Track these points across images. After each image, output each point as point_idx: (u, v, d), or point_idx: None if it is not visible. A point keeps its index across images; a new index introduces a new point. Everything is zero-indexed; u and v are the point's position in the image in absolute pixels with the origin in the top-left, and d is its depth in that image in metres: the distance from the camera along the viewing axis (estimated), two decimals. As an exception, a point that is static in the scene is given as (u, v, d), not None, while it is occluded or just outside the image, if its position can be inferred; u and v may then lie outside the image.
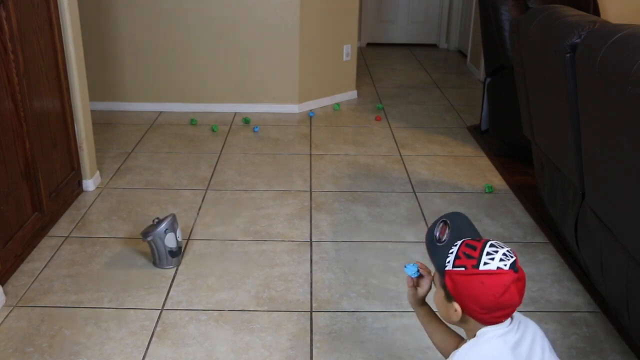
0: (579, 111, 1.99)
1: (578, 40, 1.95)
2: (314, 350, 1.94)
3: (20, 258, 2.37)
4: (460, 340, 1.43)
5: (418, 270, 1.45)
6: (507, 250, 1.23)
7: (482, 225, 2.76)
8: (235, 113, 4.26)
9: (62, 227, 2.66)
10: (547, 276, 2.37)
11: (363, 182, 3.18)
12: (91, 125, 3.09)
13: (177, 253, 2.37)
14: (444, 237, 1.29)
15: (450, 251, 1.26)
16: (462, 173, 3.33)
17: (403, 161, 3.48)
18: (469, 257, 1.22)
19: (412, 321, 2.08)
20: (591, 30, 1.93)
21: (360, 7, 4.76)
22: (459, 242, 1.26)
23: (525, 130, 2.75)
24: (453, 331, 1.49)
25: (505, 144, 3.60)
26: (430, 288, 1.46)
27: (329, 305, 2.17)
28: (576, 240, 2.22)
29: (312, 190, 3.09)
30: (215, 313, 2.12)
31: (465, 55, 6.08)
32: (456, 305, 1.25)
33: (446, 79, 5.38)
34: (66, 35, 2.75)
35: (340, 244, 2.57)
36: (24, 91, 2.38)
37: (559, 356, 1.90)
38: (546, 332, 2.05)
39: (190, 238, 2.61)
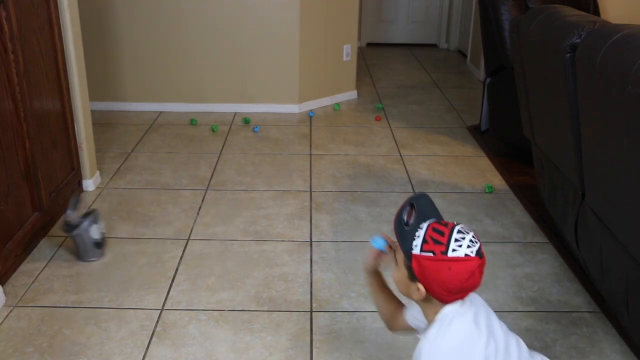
0: (579, 111, 2.00)
1: (578, 40, 1.96)
2: (314, 350, 1.94)
3: (20, 258, 2.37)
4: (399, 305, 1.55)
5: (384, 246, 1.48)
6: (473, 236, 1.26)
7: (482, 225, 2.76)
8: (235, 113, 4.26)
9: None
10: (547, 276, 2.37)
11: (363, 182, 3.18)
12: (91, 125, 3.09)
13: (101, 244, 2.43)
14: (411, 221, 1.31)
15: (417, 234, 1.27)
16: (462, 173, 3.33)
17: (403, 161, 3.48)
18: (436, 242, 1.25)
19: (412, 321, 2.09)
20: (591, 30, 1.93)
21: (360, 7, 4.76)
22: (425, 225, 1.28)
23: (525, 130, 2.75)
24: (395, 296, 1.57)
25: (505, 144, 3.61)
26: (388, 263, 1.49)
27: (329, 305, 2.17)
28: (576, 240, 2.22)
29: (312, 190, 3.09)
30: (215, 313, 2.12)
31: (465, 55, 6.08)
32: (420, 286, 1.28)
33: (446, 79, 5.38)
34: (66, 35, 2.75)
35: (340, 244, 2.57)
36: (24, 91, 2.38)
37: (558, 357, 1.91)
38: (546, 332, 2.06)
39: (190, 238, 2.61)
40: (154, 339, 1.98)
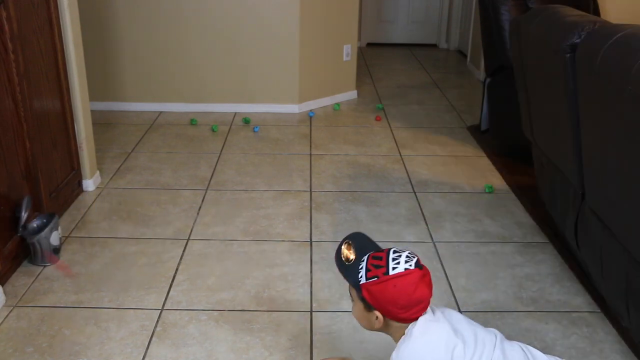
0: (579, 111, 1.99)
1: (578, 41, 1.95)
2: (314, 350, 1.94)
3: (20, 258, 2.37)
4: None
5: None
6: (409, 253, 1.38)
7: (482, 225, 2.76)
8: (235, 113, 4.26)
9: (62, 227, 2.66)
10: (547, 276, 2.37)
11: (363, 182, 3.18)
12: (91, 125, 3.09)
13: (59, 250, 2.43)
14: (351, 256, 1.43)
15: (360, 267, 1.39)
16: (462, 173, 3.33)
17: (403, 161, 3.48)
18: (377, 267, 1.36)
19: (412, 321, 2.09)
20: (591, 30, 1.93)
21: (360, 7, 4.76)
22: (365, 257, 1.40)
23: (525, 131, 2.75)
24: None
25: (505, 144, 3.60)
26: None
27: (329, 305, 2.17)
28: (576, 240, 2.22)
29: (312, 190, 3.09)
30: (215, 313, 2.12)
31: (465, 55, 6.08)
32: (377, 313, 1.38)
33: (446, 79, 5.38)
34: (66, 35, 2.75)
35: (340, 244, 2.57)
36: (24, 91, 2.38)
37: (559, 356, 1.91)
38: (546, 332, 2.06)
39: (190, 238, 2.61)
40: (154, 339, 1.98)
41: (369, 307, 1.39)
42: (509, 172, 3.32)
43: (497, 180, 3.24)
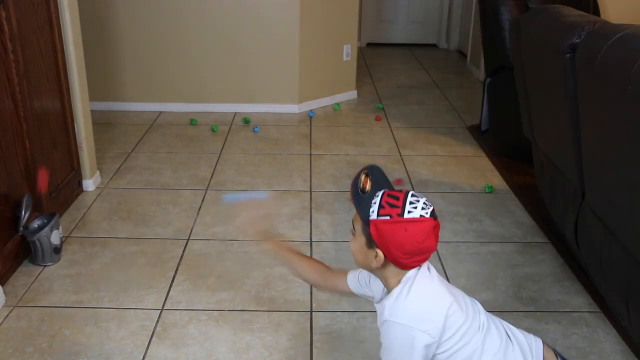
0: (579, 111, 1.99)
1: (578, 40, 1.95)
2: (314, 350, 1.94)
3: (20, 258, 2.37)
4: (327, 268, 1.64)
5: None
6: (426, 200, 1.32)
7: (482, 225, 2.76)
8: (235, 113, 4.26)
9: (62, 227, 2.66)
10: (547, 276, 2.37)
11: (363, 182, 3.18)
12: (91, 125, 3.09)
13: (59, 249, 2.41)
14: (367, 188, 1.36)
15: (373, 201, 1.32)
16: (462, 173, 3.33)
17: (403, 161, 3.48)
18: (392, 206, 1.30)
19: (412, 321, 2.09)
20: (591, 30, 1.93)
21: (360, 7, 4.75)
22: (380, 193, 1.32)
23: (525, 130, 2.75)
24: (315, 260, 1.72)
25: (505, 144, 3.60)
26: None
27: (329, 305, 2.17)
28: (576, 240, 2.22)
29: (312, 190, 3.09)
30: (215, 313, 2.12)
31: (465, 55, 6.08)
32: (379, 252, 1.32)
33: (446, 79, 5.38)
34: (66, 35, 2.75)
35: (340, 244, 2.57)
36: (24, 91, 2.38)
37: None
38: (546, 332, 2.06)
39: (190, 238, 2.61)
40: (154, 339, 1.98)
41: (371, 244, 1.33)
42: (509, 172, 3.32)
43: (497, 180, 3.24)
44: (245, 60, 4.20)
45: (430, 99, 4.73)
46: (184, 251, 2.50)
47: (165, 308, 2.14)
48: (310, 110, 4.35)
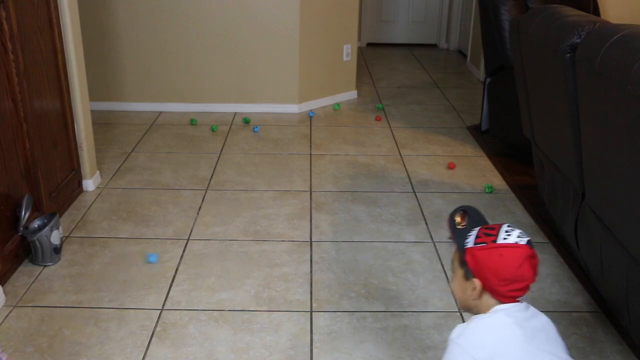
0: (579, 111, 1.99)
1: (578, 40, 1.95)
2: (314, 350, 1.94)
3: (20, 258, 2.37)
4: None
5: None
6: (521, 231, 1.36)
7: (482, 225, 2.75)
8: (235, 113, 4.26)
9: (62, 227, 2.66)
10: (547, 276, 2.37)
11: (363, 182, 3.18)
12: (91, 125, 3.09)
13: (59, 249, 2.41)
14: (464, 223, 1.43)
15: (470, 233, 1.38)
16: (462, 173, 3.33)
17: (403, 161, 3.48)
18: (488, 235, 1.35)
19: (412, 321, 2.09)
20: (591, 30, 1.93)
21: (360, 7, 4.76)
22: (477, 227, 1.39)
23: (525, 130, 2.75)
24: None
25: (505, 144, 3.60)
26: None
27: (329, 305, 2.17)
28: (576, 240, 2.22)
29: (312, 190, 3.09)
30: (215, 313, 2.12)
31: (465, 55, 6.08)
32: (476, 282, 1.35)
33: (446, 79, 5.38)
34: (66, 35, 2.75)
35: (340, 244, 2.57)
36: (24, 91, 2.38)
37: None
38: (546, 332, 2.05)
39: (190, 238, 2.61)
40: (153, 339, 1.98)
41: (468, 275, 1.37)
42: (509, 172, 3.32)
43: (497, 180, 3.24)
44: (245, 60, 4.20)
45: (430, 99, 4.73)
46: (184, 251, 2.50)
47: (165, 308, 2.14)
48: (310, 110, 4.35)
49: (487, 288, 1.35)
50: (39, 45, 2.53)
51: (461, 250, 1.39)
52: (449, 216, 1.48)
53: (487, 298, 1.36)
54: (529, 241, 1.34)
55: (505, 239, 1.33)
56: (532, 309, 1.38)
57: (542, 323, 1.38)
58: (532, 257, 1.34)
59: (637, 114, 1.56)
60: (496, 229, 1.36)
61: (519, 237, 1.33)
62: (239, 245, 2.55)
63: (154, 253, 2.40)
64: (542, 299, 2.23)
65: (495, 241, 1.33)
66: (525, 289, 1.35)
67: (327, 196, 3.02)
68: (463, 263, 1.38)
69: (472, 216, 1.45)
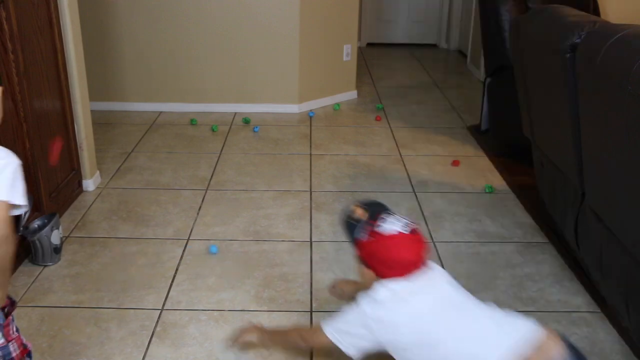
0: (579, 111, 1.99)
1: (578, 40, 1.95)
2: (314, 350, 1.94)
3: (20, 258, 2.37)
4: (298, 328, 1.97)
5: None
6: (405, 218, 1.55)
7: (482, 225, 2.76)
8: (235, 113, 4.26)
9: (62, 227, 2.66)
10: (547, 276, 2.37)
11: (363, 182, 3.18)
12: (91, 125, 3.09)
13: (59, 249, 2.40)
14: (357, 217, 1.59)
15: (358, 226, 1.55)
16: (462, 173, 3.33)
17: (403, 161, 3.48)
18: (371, 225, 1.52)
19: (412, 321, 2.08)
20: (591, 30, 1.93)
21: (360, 7, 4.75)
22: (363, 219, 1.56)
23: (525, 130, 2.75)
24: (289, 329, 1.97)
25: (505, 144, 3.60)
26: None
27: (329, 305, 2.17)
28: (576, 240, 2.22)
29: (312, 190, 3.09)
30: (215, 313, 2.12)
31: (465, 55, 6.08)
32: (366, 269, 1.56)
33: (446, 79, 5.38)
34: (66, 35, 2.75)
35: (340, 244, 2.57)
36: (24, 91, 2.38)
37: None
38: (546, 332, 2.05)
39: (190, 238, 2.61)
40: (153, 339, 1.98)
41: (361, 263, 1.58)
42: (509, 172, 3.32)
43: (497, 180, 3.24)
44: (245, 60, 4.20)
45: (430, 99, 4.73)
46: (183, 251, 2.50)
47: (165, 308, 2.14)
48: (310, 110, 4.35)
49: (378, 274, 1.53)
50: (39, 45, 2.53)
51: (352, 243, 1.58)
52: (345, 214, 1.64)
53: (378, 278, 1.54)
54: (406, 225, 1.51)
55: (386, 229, 1.50)
56: (423, 283, 1.53)
57: (437, 290, 1.56)
58: (413, 241, 1.51)
59: (637, 114, 1.56)
60: (378, 219, 1.53)
61: (400, 224, 1.51)
62: (239, 245, 2.55)
63: (213, 245, 2.47)
64: (542, 299, 2.22)
65: (377, 232, 1.51)
66: (412, 269, 1.52)
67: (327, 196, 3.02)
68: (357, 255, 1.58)
69: (372, 207, 1.61)
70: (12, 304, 1.32)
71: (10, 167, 1.21)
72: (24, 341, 1.36)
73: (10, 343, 1.31)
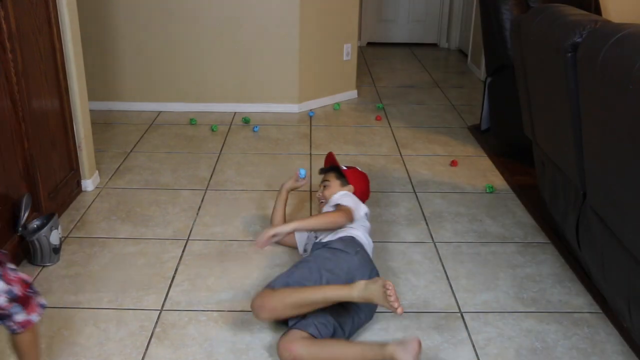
0: (580, 110, 1.99)
1: (579, 40, 1.95)
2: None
3: (19, 258, 2.36)
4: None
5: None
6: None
7: (483, 225, 2.75)
8: (235, 113, 4.25)
9: (61, 227, 2.65)
10: (548, 276, 2.36)
11: (363, 182, 3.17)
12: (90, 125, 3.08)
13: (59, 250, 2.39)
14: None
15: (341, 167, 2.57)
16: (463, 173, 3.32)
17: (403, 161, 3.47)
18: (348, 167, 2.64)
19: (412, 321, 2.08)
20: (592, 29, 1.92)
21: (360, 6, 4.75)
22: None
23: (526, 130, 2.75)
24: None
25: (506, 143, 3.59)
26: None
27: (329, 305, 2.16)
28: (577, 240, 2.21)
29: (312, 190, 3.08)
30: (215, 314, 2.11)
31: (465, 55, 6.08)
32: (349, 185, 2.54)
33: (447, 79, 5.37)
34: (65, 34, 2.74)
35: (341, 244, 2.56)
36: (23, 91, 2.37)
37: (560, 358, 1.89)
38: (547, 333, 2.05)
39: (190, 238, 2.60)
40: (153, 339, 1.97)
41: (344, 183, 2.53)
42: (510, 172, 3.31)
43: (497, 180, 3.24)
44: (245, 60, 4.19)
45: (430, 99, 4.73)
46: (183, 251, 2.49)
47: (164, 309, 2.13)
48: (310, 110, 4.34)
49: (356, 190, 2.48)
50: (38, 44, 2.52)
51: (340, 172, 2.55)
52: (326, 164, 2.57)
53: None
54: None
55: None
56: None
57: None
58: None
59: (638, 113, 1.55)
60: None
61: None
62: (239, 245, 2.55)
63: (302, 168, 2.66)
64: (543, 299, 2.22)
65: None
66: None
67: (327, 196, 3.01)
68: (342, 177, 2.51)
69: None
70: (4, 255, 1.50)
71: None
72: (24, 277, 1.54)
73: (12, 287, 1.49)
